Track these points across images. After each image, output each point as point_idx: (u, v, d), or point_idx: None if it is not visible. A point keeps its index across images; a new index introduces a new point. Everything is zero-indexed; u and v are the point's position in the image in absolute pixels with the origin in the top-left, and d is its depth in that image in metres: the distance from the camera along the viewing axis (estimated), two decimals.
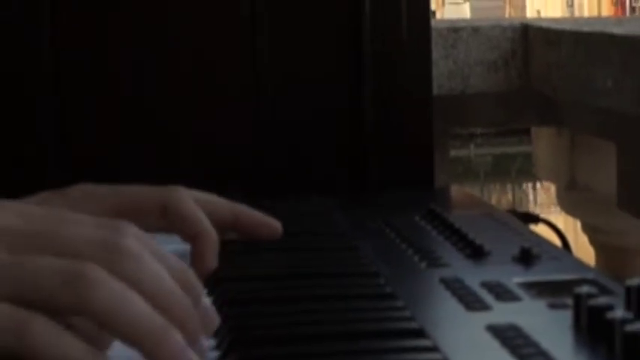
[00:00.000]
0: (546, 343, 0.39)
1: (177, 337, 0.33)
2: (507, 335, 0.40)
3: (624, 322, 0.36)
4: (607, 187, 1.38)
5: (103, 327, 0.33)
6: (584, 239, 1.75)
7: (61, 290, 0.32)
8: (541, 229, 0.66)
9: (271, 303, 0.45)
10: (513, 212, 0.68)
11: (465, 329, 0.42)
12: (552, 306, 0.44)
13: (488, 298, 0.45)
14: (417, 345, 0.40)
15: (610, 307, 0.38)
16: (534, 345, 0.39)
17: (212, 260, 0.47)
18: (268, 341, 0.41)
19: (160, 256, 0.36)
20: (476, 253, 0.52)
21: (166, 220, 0.48)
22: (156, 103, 0.77)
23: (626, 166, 1.29)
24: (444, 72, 1.39)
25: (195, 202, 0.48)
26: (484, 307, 0.44)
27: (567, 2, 17.28)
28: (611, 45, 1.25)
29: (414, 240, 0.56)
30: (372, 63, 0.76)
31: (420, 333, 0.41)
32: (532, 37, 1.44)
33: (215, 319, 0.37)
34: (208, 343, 0.39)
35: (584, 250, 1.69)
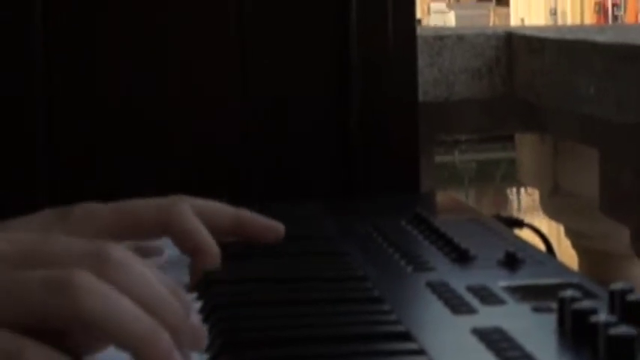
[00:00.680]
0: (531, 346, 0.39)
1: (166, 338, 0.34)
2: (492, 338, 0.40)
3: (608, 325, 0.37)
4: (590, 192, 1.39)
5: (94, 331, 0.33)
6: (567, 244, 1.76)
7: (49, 300, 0.33)
8: (525, 234, 0.67)
9: (261, 306, 0.46)
10: (498, 217, 0.68)
11: (450, 332, 0.42)
12: (537, 309, 0.44)
13: (473, 301, 0.45)
14: (403, 348, 0.40)
15: (594, 311, 0.39)
16: (519, 348, 0.39)
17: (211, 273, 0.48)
18: (258, 344, 0.41)
19: (150, 270, 0.36)
20: (461, 258, 0.53)
21: (167, 236, 0.48)
22: (146, 106, 0.77)
23: (608, 171, 1.31)
24: (430, 79, 1.41)
25: (196, 212, 0.49)
26: (469, 310, 0.44)
27: (550, 11, 17.41)
28: (594, 53, 1.27)
29: (400, 244, 0.56)
30: (359, 70, 0.77)
31: (406, 336, 0.41)
32: (516, 45, 1.45)
33: (203, 337, 0.37)
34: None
35: (567, 254, 1.71)
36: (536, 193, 1.81)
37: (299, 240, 0.55)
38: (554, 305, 0.42)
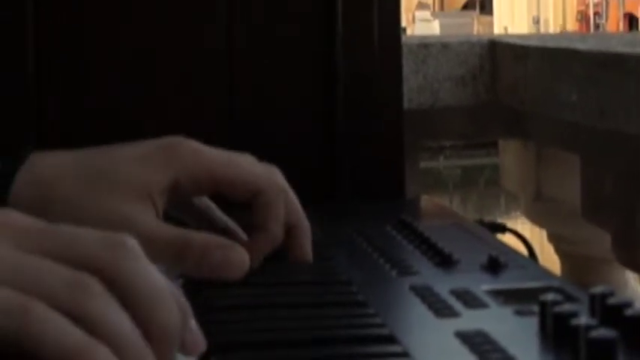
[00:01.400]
0: (513, 348, 0.40)
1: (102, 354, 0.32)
2: (475, 341, 0.41)
3: (588, 328, 0.37)
4: (572, 198, 1.41)
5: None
6: (549, 248, 1.78)
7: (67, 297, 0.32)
8: (508, 239, 0.68)
9: (247, 309, 0.46)
10: (481, 222, 0.69)
11: (434, 335, 0.43)
12: (519, 313, 0.45)
13: (456, 305, 0.46)
14: (388, 350, 0.41)
15: (575, 314, 0.39)
16: (501, 351, 0.40)
17: (308, 252, 0.51)
18: (243, 347, 0.41)
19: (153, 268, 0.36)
20: (445, 262, 0.54)
21: (256, 204, 0.50)
22: (134, 107, 0.78)
23: (589, 178, 1.32)
24: (415, 87, 1.41)
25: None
26: (453, 313, 0.45)
27: (533, 19, 17.55)
28: (576, 60, 1.28)
29: (385, 249, 0.57)
30: (344, 78, 0.77)
31: (390, 339, 0.42)
32: (499, 53, 1.47)
33: (201, 342, 0.37)
34: None
35: (549, 258, 1.72)
36: (519, 199, 1.82)
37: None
38: (535, 308, 0.42)
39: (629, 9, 16.53)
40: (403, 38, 0.82)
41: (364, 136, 0.78)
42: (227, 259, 0.47)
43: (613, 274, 1.61)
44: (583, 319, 0.39)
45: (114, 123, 0.77)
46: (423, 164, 1.71)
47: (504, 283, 0.50)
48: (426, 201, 0.77)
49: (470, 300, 0.47)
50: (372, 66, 0.78)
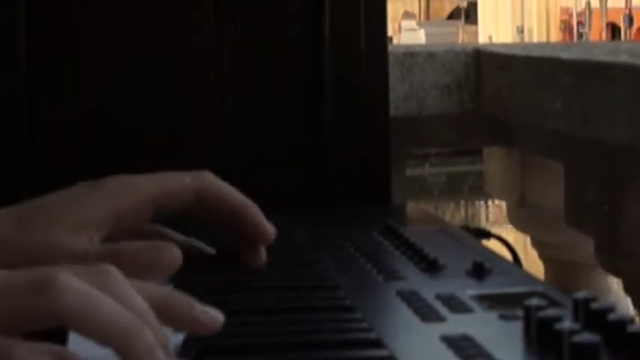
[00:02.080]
0: (498, 352, 0.40)
1: (147, 335, 0.34)
2: (461, 345, 0.41)
3: (572, 332, 0.38)
4: (555, 204, 1.42)
5: (75, 329, 0.33)
6: (533, 254, 1.79)
7: (33, 301, 0.33)
8: (493, 245, 0.68)
9: (235, 314, 0.46)
10: (466, 228, 0.70)
11: (420, 339, 0.43)
12: (503, 317, 0.45)
13: (442, 309, 0.46)
14: (375, 355, 0.41)
15: (558, 319, 0.40)
16: (486, 355, 0.40)
17: (266, 224, 0.50)
18: (232, 351, 0.42)
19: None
20: (431, 267, 0.54)
21: (202, 205, 0.49)
22: (122, 106, 0.78)
23: (573, 185, 1.34)
24: (401, 95, 1.42)
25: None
26: (439, 318, 0.45)
27: (517, 29, 17.66)
28: (560, 69, 1.30)
29: (372, 254, 0.57)
30: (332, 86, 0.78)
31: (377, 343, 0.42)
32: (484, 62, 1.48)
33: (218, 317, 0.38)
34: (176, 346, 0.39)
35: (533, 264, 1.73)
36: (503, 205, 1.83)
37: (272, 250, 0.55)
38: (520, 313, 0.43)
39: (611, 18, 16.70)
40: (390, 47, 0.83)
41: (351, 143, 0.79)
42: (157, 258, 0.47)
43: (596, 279, 1.63)
44: (567, 324, 0.39)
45: (104, 123, 0.77)
46: (409, 171, 1.71)
47: (489, 288, 0.50)
48: (412, 207, 0.78)
49: (455, 305, 0.47)
50: (359, 74, 0.79)
